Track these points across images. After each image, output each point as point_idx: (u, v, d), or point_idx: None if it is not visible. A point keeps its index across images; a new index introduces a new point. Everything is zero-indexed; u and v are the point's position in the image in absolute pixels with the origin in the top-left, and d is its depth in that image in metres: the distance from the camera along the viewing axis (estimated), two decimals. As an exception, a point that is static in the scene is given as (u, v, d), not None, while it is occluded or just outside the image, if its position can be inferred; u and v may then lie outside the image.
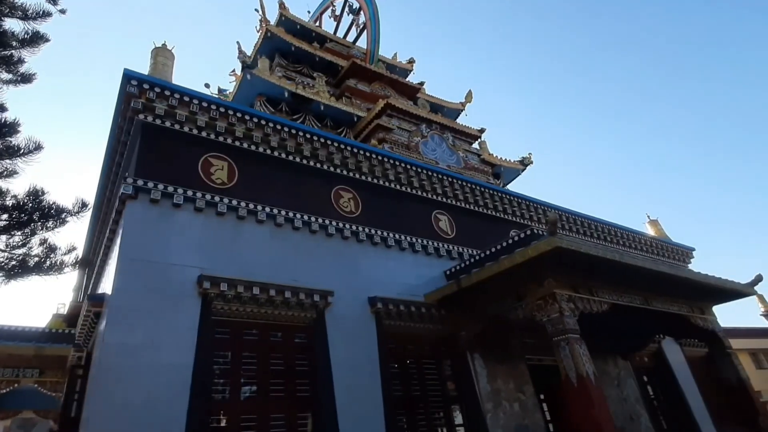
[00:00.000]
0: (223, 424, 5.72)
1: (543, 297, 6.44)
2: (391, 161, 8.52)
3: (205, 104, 7.10)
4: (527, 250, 6.21)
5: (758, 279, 8.34)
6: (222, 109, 7.22)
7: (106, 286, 6.65)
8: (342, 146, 8.11)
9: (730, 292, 8.11)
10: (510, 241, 7.26)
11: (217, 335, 6.04)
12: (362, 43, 14.95)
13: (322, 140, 7.93)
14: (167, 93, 6.88)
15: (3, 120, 4.23)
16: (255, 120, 7.43)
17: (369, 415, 6.43)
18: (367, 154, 8.32)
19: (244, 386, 6.07)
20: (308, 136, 7.81)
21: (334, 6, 15.69)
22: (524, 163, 13.49)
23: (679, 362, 10.60)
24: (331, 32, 15.28)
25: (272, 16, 14.04)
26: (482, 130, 12.32)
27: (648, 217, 13.92)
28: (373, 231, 7.90)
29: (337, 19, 15.50)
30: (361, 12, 14.43)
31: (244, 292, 6.27)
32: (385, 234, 8.00)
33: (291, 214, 7.22)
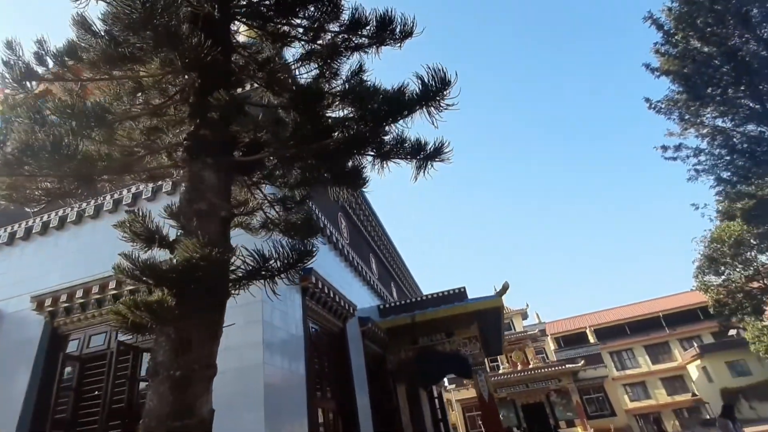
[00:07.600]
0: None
1: (468, 337, 9.73)
2: (366, 208, 10.15)
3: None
4: (484, 302, 9.45)
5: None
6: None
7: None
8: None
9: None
10: (445, 293, 10.27)
11: (303, 329, 6.03)
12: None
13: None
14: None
15: None
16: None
17: (365, 416, 7.51)
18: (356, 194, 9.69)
19: (319, 384, 6.16)
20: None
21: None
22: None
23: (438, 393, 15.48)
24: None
25: None
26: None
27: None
28: (356, 258, 9.13)
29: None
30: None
31: (327, 293, 6.55)
32: (360, 263, 9.35)
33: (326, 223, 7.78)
